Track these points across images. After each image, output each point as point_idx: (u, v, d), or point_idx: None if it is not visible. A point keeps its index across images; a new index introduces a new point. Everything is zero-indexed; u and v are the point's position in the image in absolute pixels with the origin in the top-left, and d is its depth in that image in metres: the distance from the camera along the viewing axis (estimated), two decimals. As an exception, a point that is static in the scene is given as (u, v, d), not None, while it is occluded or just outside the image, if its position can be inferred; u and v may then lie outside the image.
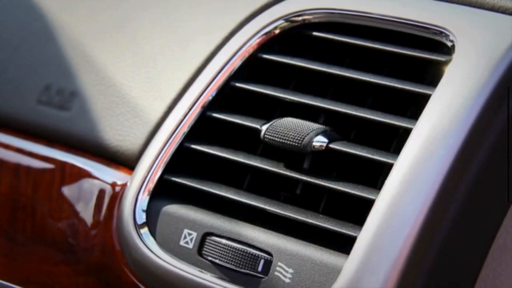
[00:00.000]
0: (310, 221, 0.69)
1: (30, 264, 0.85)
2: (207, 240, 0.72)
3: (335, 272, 0.66)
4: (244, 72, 0.78)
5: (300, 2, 0.79)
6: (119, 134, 0.82)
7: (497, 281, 0.66)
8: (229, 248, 0.71)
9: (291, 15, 0.79)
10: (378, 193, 0.66)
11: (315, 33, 0.77)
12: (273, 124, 0.72)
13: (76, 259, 0.81)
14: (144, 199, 0.76)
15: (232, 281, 0.69)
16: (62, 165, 0.84)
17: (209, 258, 0.71)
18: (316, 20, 0.78)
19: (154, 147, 0.78)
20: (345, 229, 0.67)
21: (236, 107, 0.77)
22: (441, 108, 0.67)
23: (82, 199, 0.82)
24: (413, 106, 0.71)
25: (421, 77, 0.72)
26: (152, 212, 0.75)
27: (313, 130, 0.71)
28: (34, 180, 0.85)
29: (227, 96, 0.78)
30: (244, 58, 0.79)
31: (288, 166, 0.73)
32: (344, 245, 0.67)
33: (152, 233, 0.75)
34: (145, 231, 0.75)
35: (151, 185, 0.76)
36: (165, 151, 0.77)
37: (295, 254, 0.68)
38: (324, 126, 0.71)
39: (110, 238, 0.79)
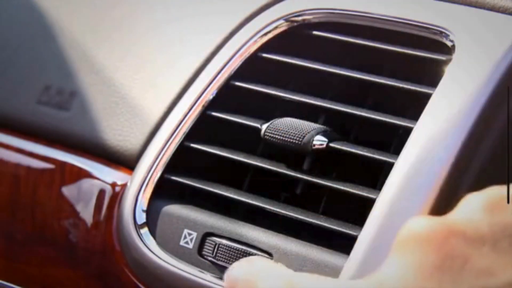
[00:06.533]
0: (311, 220, 0.69)
1: (30, 265, 0.85)
2: (207, 240, 0.72)
3: (335, 272, 0.66)
4: (244, 71, 0.78)
5: (300, 2, 0.79)
6: (119, 134, 0.82)
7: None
8: (229, 248, 0.71)
9: (291, 15, 0.79)
10: (378, 192, 0.66)
11: (315, 33, 0.77)
12: (274, 122, 0.72)
13: (76, 259, 0.81)
14: (144, 199, 0.76)
15: (232, 281, 0.69)
16: (62, 165, 0.84)
17: (209, 258, 0.71)
18: (316, 20, 0.78)
19: (154, 147, 0.78)
20: (345, 229, 0.67)
21: (237, 107, 0.78)
22: (442, 108, 0.67)
23: (82, 199, 0.82)
24: (414, 106, 0.71)
25: (422, 76, 0.72)
26: (152, 212, 0.75)
27: (313, 129, 0.71)
28: (34, 180, 0.85)
29: (227, 95, 0.78)
30: (244, 58, 0.79)
31: (288, 166, 0.73)
32: (344, 245, 0.67)
33: (152, 233, 0.75)
34: (145, 231, 0.75)
35: (151, 185, 0.76)
36: (165, 150, 0.77)
37: (295, 254, 0.68)
38: (324, 126, 0.72)
39: (110, 238, 0.78)
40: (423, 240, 0.49)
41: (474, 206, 0.50)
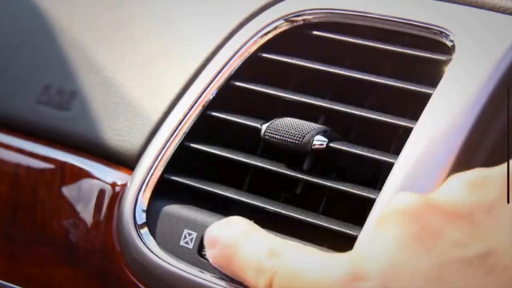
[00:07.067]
0: (311, 220, 0.69)
1: (30, 265, 0.85)
2: (207, 240, 0.72)
3: (335, 271, 0.66)
4: (244, 71, 0.79)
5: (300, 2, 0.79)
6: (119, 134, 0.82)
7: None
8: (229, 248, 0.71)
9: (291, 15, 0.79)
10: (378, 192, 0.66)
11: (315, 32, 0.77)
12: (274, 122, 0.72)
13: (76, 259, 0.81)
14: (144, 199, 0.76)
15: (232, 281, 0.69)
16: (62, 165, 0.84)
17: (209, 258, 0.71)
18: (316, 20, 0.78)
19: (154, 147, 0.78)
20: (345, 229, 0.67)
21: (237, 107, 0.78)
22: (442, 108, 0.67)
23: (82, 199, 0.82)
24: (414, 106, 0.71)
25: (422, 76, 0.72)
26: (152, 212, 0.75)
27: (313, 129, 0.71)
28: (34, 180, 0.85)
29: (227, 95, 0.78)
30: (244, 58, 0.79)
31: (288, 166, 0.73)
32: (344, 245, 0.67)
33: (152, 233, 0.75)
34: (145, 231, 0.75)
35: (151, 185, 0.76)
36: (165, 150, 0.77)
37: (295, 254, 0.68)
38: (324, 126, 0.72)
39: (110, 238, 0.78)
40: (401, 214, 0.50)
41: (456, 184, 0.52)
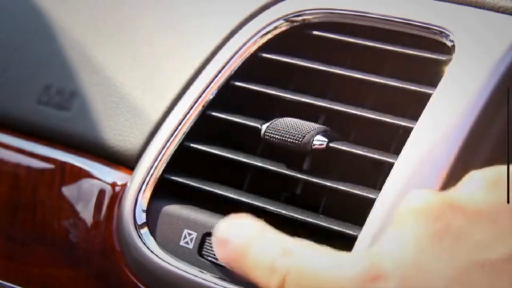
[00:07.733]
0: (311, 220, 0.69)
1: (30, 265, 0.85)
2: (207, 240, 0.72)
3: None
4: (244, 71, 0.79)
5: (300, 2, 0.79)
6: (119, 134, 0.82)
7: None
8: (229, 248, 0.70)
9: (291, 15, 0.79)
10: (378, 192, 0.66)
11: (315, 32, 0.77)
12: (274, 122, 0.72)
13: (76, 259, 0.81)
14: (144, 199, 0.76)
15: (232, 281, 0.69)
16: (62, 165, 0.84)
17: (209, 258, 0.71)
18: (316, 20, 0.78)
19: (154, 147, 0.78)
20: (345, 229, 0.67)
21: (237, 107, 0.78)
22: (442, 108, 0.67)
23: (82, 199, 0.82)
24: (414, 106, 0.71)
25: (422, 76, 0.72)
26: (152, 212, 0.75)
27: (313, 129, 0.71)
28: (34, 180, 0.85)
29: (227, 95, 0.78)
30: (244, 58, 0.79)
31: (288, 166, 0.73)
32: (344, 245, 0.67)
33: (152, 233, 0.75)
34: (145, 231, 0.75)
35: (151, 185, 0.76)
36: (165, 150, 0.77)
37: (295, 254, 0.68)
38: (324, 126, 0.72)
39: (110, 238, 0.79)
40: (420, 213, 0.49)
41: (476, 181, 0.50)
